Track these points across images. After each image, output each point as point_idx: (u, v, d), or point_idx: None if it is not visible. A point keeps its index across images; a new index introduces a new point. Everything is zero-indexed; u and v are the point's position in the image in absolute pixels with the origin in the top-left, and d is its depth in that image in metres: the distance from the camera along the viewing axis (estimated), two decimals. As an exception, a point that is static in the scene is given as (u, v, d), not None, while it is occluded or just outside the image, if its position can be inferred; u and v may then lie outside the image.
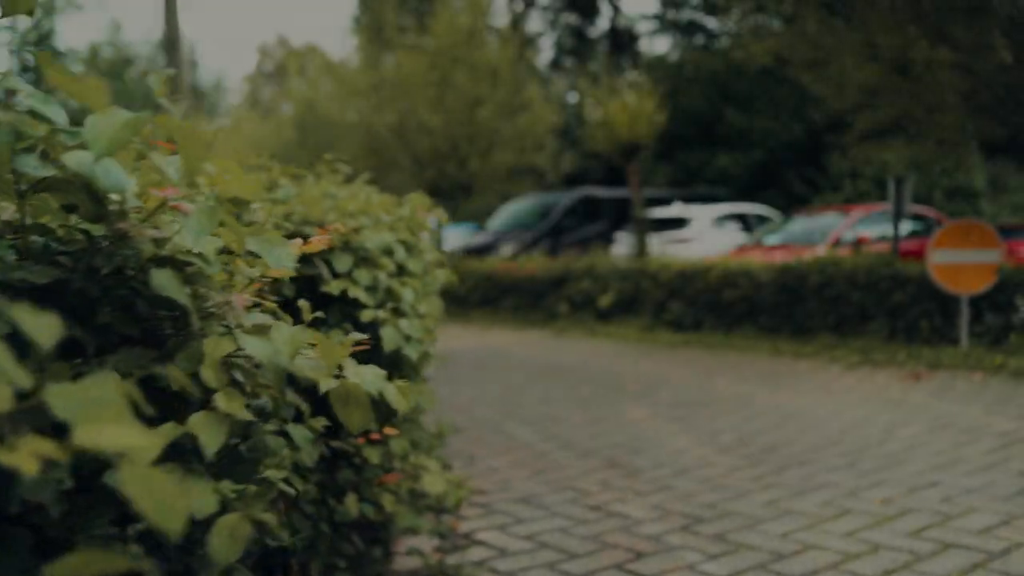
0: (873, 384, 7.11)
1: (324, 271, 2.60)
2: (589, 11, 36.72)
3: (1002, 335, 8.28)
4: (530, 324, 12.54)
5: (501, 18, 15.47)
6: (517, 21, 36.28)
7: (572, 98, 29.75)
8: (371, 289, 2.74)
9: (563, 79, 35.50)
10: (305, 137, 17.23)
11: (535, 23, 41.00)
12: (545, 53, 38.37)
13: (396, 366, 2.82)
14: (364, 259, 2.74)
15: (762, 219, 15.97)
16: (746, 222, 15.52)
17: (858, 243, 11.37)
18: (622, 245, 14.80)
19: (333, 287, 2.58)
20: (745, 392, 6.89)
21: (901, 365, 7.89)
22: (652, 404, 6.52)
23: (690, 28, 34.65)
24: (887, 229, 11.99)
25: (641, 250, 12.18)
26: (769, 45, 8.92)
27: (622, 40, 35.67)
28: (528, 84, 15.52)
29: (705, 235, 14.56)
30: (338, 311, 2.68)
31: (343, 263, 2.63)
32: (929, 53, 7.68)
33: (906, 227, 12.01)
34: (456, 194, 17.23)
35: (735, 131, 27.07)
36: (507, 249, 16.09)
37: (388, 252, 2.88)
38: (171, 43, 14.26)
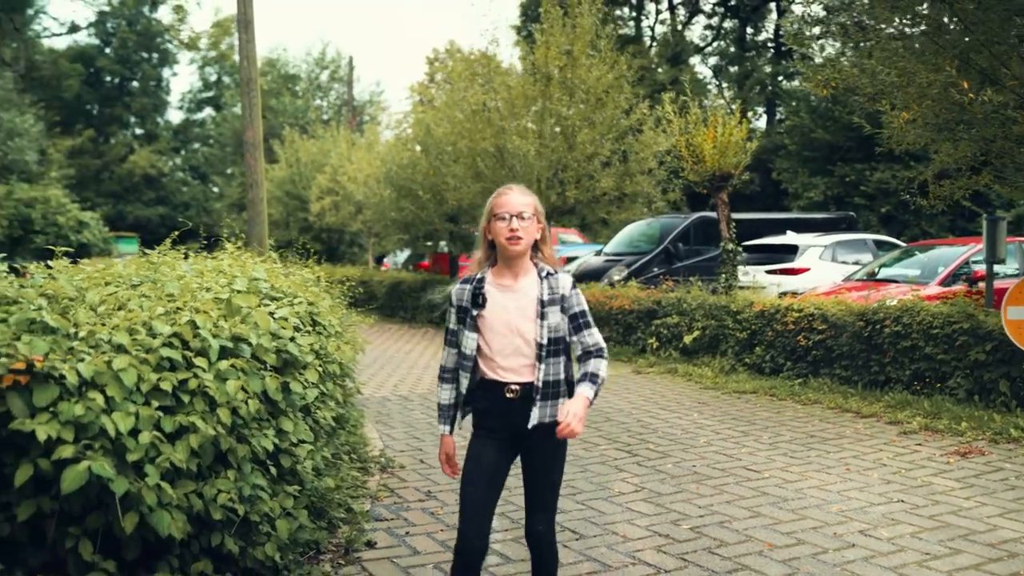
0: (911, 459, 6.43)
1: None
2: (753, 16, 35.58)
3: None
4: (616, 358, 12.14)
5: (613, 37, 14.91)
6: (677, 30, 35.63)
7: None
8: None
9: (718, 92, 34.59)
10: (427, 157, 17.36)
11: (696, 31, 40.18)
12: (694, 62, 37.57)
13: None
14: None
15: (884, 246, 14.86)
16: (867, 250, 14.48)
17: (973, 280, 10.40)
18: (740, 274, 14.12)
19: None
20: (761, 462, 6.38)
21: (960, 435, 7.12)
22: (649, 473, 6.13)
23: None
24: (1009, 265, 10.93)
25: (728, 286, 11.57)
26: (829, 75, 8.19)
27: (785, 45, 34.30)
28: (638, 106, 15.04)
29: (817, 265, 13.67)
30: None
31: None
32: (990, 94, 6.88)
33: (1011, 266, 10.93)
34: (565, 219, 17.00)
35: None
36: (616, 274, 15.66)
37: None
38: (244, 22, 14.68)
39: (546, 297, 3.23)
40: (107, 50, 49.61)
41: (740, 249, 11.87)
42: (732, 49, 38.65)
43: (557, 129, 14.29)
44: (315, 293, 5.50)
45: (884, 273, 12.04)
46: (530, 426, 3.17)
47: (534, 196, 3.35)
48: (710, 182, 11.45)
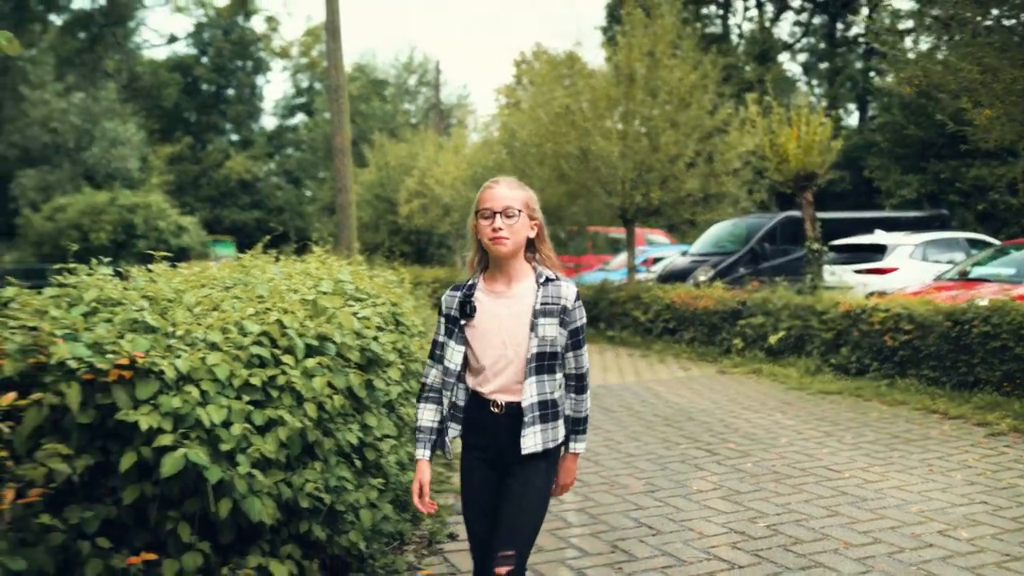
0: (997, 461, 6.34)
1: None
2: (843, 11, 34.88)
3: None
4: (701, 358, 12.14)
5: (695, 37, 14.85)
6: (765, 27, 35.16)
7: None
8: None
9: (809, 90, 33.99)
10: (512, 159, 17.54)
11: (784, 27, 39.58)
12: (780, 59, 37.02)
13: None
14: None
15: (978, 245, 14.48)
16: (960, 249, 14.13)
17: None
18: (826, 274, 13.94)
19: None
20: (842, 462, 6.36)
21: (1051, 436, 6.98)
22: (728, 472, 6.17)
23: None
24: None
25: (814, 286, 11.44)
26: (913, 72, 8.04)
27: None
28: (723, 106, 14.96)
29: (906, 264, 13.41)
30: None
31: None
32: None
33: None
34: (652, 220, 16.99)
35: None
36: (702, 275, 15.61)
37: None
38: (332, 30, 15.01)
39: (539, 305, 2.89)
40: (204, 59, 51.12)
41: (825, 249, 11.73)
42: (822, 45, 37.97)
43: (642, 130, 14.30)
44: (398, 294, 5.69)
45: (976, 272, 11.77)
46: (523, 453, 2.87)
47: (526, 189, 2.99)
48: (794, 182, 11.35)
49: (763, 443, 7.08)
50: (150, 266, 4.43)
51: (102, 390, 2.85)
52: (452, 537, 4.86)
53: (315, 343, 3.70)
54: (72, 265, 3.77)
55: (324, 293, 4.29)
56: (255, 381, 3.29)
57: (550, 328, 2.87)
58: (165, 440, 2.82)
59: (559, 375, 2.94)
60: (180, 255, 27.31)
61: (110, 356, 2.87)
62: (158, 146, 45.41)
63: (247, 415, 3.19)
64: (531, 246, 2.99)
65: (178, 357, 3.06)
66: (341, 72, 15.44)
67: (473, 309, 2.93)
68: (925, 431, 7.37)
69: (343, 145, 15.17)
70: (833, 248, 13.89)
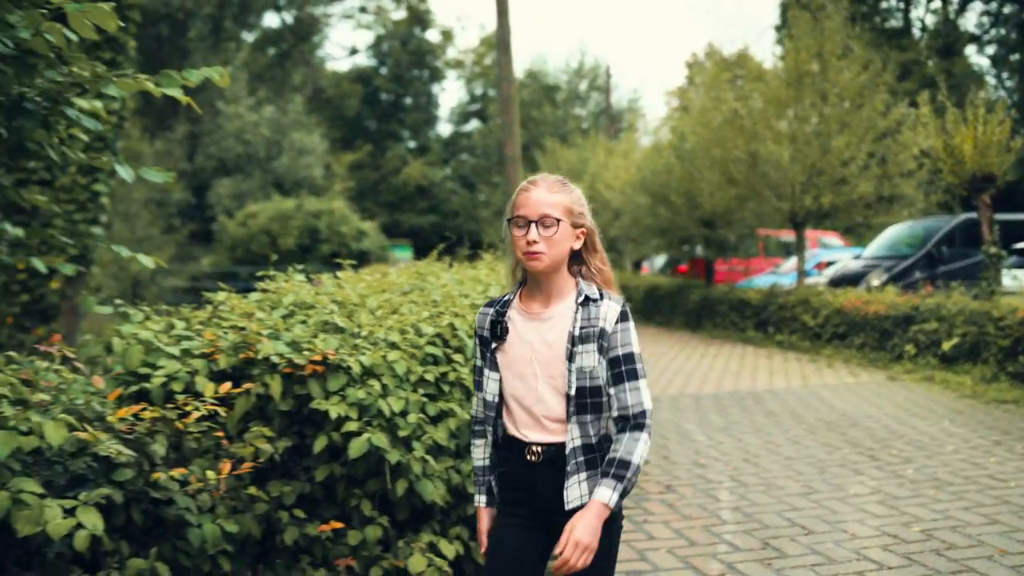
0: None
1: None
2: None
3: None
4: (871, 364, 11.94)
5: (864, 37, 14.54)
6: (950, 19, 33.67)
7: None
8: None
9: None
10: (681, 163, 17.61)
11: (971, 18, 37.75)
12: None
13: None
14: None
15: None
16: None
17: None
18: (1006, 278, 13.42)
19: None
20: (1009, 472, 6.27)
21: None
22: (888, 478, 6.20)
23: None
24: None
25: (991, 291, 11.05)
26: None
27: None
28: (897, 104, 14.58)
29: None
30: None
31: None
32: None
33: None
34: (825, 223, 16.68)
35: None
36: (875, 279, 15.27)
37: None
38: (503, 44, 15.45)
39: (578, 331, 2.39)
40: (382, 70, 53.26)
41: (1004, 253, 11.33)
42: (1013, 36, 36.02)
43: (813, 133, 14.15)
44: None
45: None
46: (568, 508, 2.36)
47: (571, 190, 2.49)
48: (970, 184, 11.02)
49: (927, 450, 7.03)
50: (338, 273, 4.95)
51: (299, 382, 3.30)
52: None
53: (482, 344, 4.08)
54: (270, 272, 4.33)
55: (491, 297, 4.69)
56: (429, 377, 3.70)
57: (588, 357, 2.38)
58: (352, 426, 3.24)
59: (606, 414, 2.43)
60: (360, 258, 28.64)
61: (306, 353, 3.32)
62: (340, 154, 47.60)
63: (422, 406, 3.60)
64: (579, 257, 2.51)
65: (363, 355, 3.48)
66: (511, 84, 15.98)
67: (505, 330, 2.49)
68: (1104, 443, 7.13)
69: (514, 154, 15.71)
70: (1014, 252, 13.35)
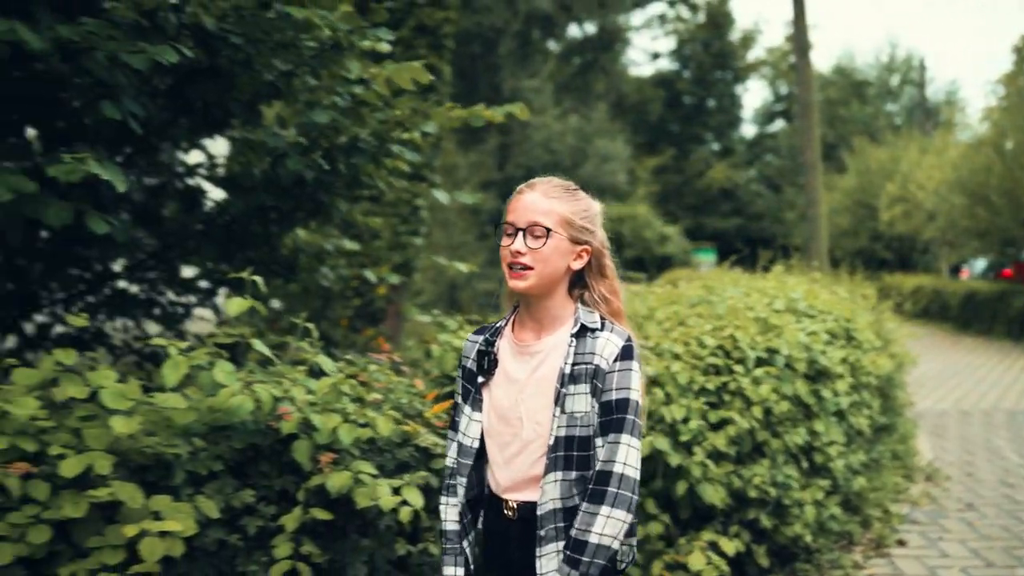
0: None
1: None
2: None
3: None
4: None
5: None
6: None
7: None
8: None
9: None
10: (1002, 160, 16.37)
11: None
12: None
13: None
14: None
15: None
16: None
17: None
18: None
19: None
20: None
21: None
22: None
23: None
24: None
25: None
26: None
27: None
28: None
29: None
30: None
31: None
32: None
33: None
34: None
35: None
36: None
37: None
38: (800, 49, 15.04)
39: (569, 368, 1.98)
40: (685, 73, 53.22)
41: None
42: None
43: None
44: (851, 309, 6.01)
45: None
46: None
47: (577, 199, 2.05)
48: None
49: None
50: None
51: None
52: (901, 543, 5.10)
53: (764, 355, 4.25)
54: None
55: (776, 311, 4.82)
56: (710, 386, 3.94)
57: (580, 400, 1.97)
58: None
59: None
60: (663, 263, 28.97)
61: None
62: (644, 158, 48.15)
63: (703, 414, 3.84)
64: (583, 280, 2.09)
65: (647, 364, 3.78)
66: (810, 89, 15.66)
67: (493, 363, 2.08)
68: None
69: (813, 160, 15.39)
70: None
